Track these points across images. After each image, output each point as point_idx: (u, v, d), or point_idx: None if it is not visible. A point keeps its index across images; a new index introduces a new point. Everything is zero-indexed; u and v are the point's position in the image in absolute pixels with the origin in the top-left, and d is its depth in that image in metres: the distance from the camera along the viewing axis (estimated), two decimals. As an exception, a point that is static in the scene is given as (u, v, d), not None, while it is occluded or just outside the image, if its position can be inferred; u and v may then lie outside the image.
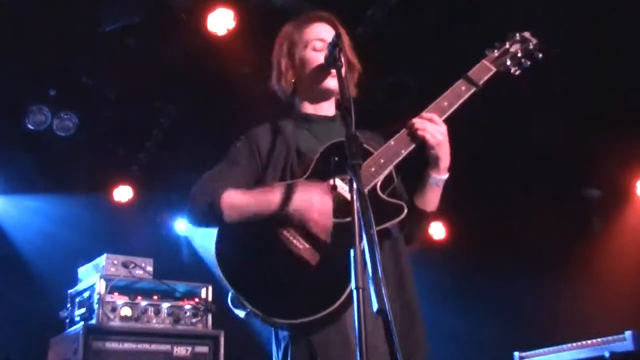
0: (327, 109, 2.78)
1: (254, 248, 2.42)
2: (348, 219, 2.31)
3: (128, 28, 5.46)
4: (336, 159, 2.44)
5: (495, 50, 2.72)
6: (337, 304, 2.27)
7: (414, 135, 2.50)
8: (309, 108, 2.78)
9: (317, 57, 2.70)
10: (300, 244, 2.37)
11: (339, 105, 2.80)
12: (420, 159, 2.57)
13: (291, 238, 2.38)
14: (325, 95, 2.75)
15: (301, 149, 2.61)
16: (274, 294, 2.34)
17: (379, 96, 5.94)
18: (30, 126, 6.20)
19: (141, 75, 5.92)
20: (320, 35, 2.75)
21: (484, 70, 2.65)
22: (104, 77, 6.10)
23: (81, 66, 5.97)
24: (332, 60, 2.44)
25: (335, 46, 2.42)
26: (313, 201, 2.37)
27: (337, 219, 2.40)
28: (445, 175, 2.57)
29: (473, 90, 2.60)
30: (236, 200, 2.46)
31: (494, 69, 2.66)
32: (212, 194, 2.48)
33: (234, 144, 2.70)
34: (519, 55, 2.71)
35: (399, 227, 2.52)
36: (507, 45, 2.73)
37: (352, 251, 1.94)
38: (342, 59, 2.37)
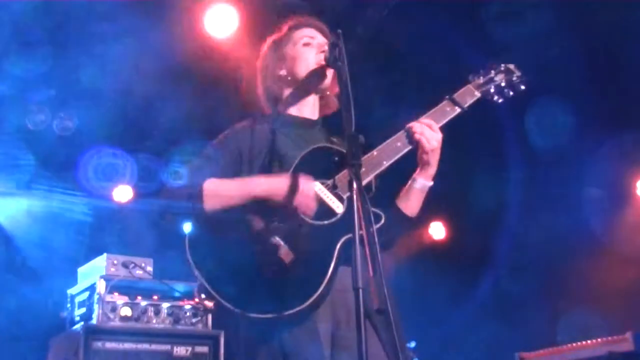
0: (311, 111, 2.79)
1: (230, 243, 2.42)
2: (326, 222, 2.41)
3: (128, 28, 5.45)
4: (336, 158, 2.46)
5: (481, 77, 2.79)
6: (308, 302, 2.28)
7: (411, 137, 2.58)
8: (292, 110, 2.79)
9: (307, 53, 2.73)
10: (276, 242, 2.36)
11: (323, 111, 2.83)
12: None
13: (269, 236, 2.38)
14: (311, 93, 2.76)
15: (278, 151, 2.62)
16: (245, 289, 2.34)
17: (378, 96, 5.94)
18: (30, 126, 6.19)
19: (141, 75, 5.92)
20: (309, 34, 2.79)
21: (469, 94, 2.73)
22: (104, 77, 6.10)
23: (81, 66, 5.96)
24: (332, 60, 2.45)
25: (335, 46, 2.43)
26: (297, 184, 2.40)
27: (314, 222, 2.42)
28: (431, 183, 2.66)
29: (458, 111, 2.68)
30: (218, 187, 2.49)
31: (478, 95, 2.74)
32: (191, 185, 2.50)
33: (210, 142, 2.72)
34: (502, 85, 2.79)
35: (377, 235, 2.52)
36: (492, 74, 2.80)
37: (353, 250, 1.97)
38: (343, 58, 2.37)
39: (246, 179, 2.52)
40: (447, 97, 2.71)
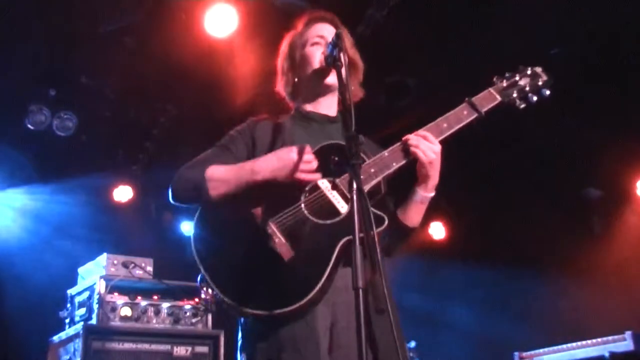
0: (328, 107, 2.77)
1: (233, 235, 2.43)
2: (328, 222, 2.39)
3: (128, 28, 5.46)
4: (336, 158, 2.45)
5: (504, 81, 2.71)
6: (304, 301, 2.28)
7: (407, 150, 2.51)
8: (308, 106, 2.79)
9: (315, 53, 2.72)
10: (277, 239, 2.36)
11: (342, 104, 2.78)
12: (413, 173, 2.58)
13: (270, 232, 2.38)
14: (325, 91, 2.75)
15: (294, 144, 2.60)
16: (244, 284, 2.36)
17: (379, 96, 5.94)
18: (30, 126, 6.20)
19: (141, 75, 5.92)
20: (319, 32, 2.78)
21: (489, 99, 2.65)
22: (104, 77, 6.10)
23: (81, 66, 5.96)
24: (331, 61, 2.44)
25: (335, 46, 2.42)
26: (291, 153, 2.40)
27: (318, 220, 2.41)
28: (432, 194, 2.58)
29: (475, 116, 2.60)
30: (220, 173, 2.49)
31: (499, 99, 2.66)
32: (196, 172, 2.51)
33: (230, 132, 2.73)
34: (527, 89, 2.71)
35: (379, 239, 2.51)
36: (517, 78, 2.72)
37: (353, 250, 1.95)
38: (342, 59, 2.36)
39: (244, 163, 2.52)
40: (466, 99, 2.62)
